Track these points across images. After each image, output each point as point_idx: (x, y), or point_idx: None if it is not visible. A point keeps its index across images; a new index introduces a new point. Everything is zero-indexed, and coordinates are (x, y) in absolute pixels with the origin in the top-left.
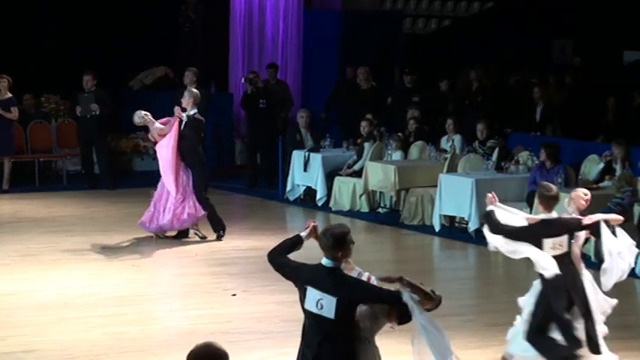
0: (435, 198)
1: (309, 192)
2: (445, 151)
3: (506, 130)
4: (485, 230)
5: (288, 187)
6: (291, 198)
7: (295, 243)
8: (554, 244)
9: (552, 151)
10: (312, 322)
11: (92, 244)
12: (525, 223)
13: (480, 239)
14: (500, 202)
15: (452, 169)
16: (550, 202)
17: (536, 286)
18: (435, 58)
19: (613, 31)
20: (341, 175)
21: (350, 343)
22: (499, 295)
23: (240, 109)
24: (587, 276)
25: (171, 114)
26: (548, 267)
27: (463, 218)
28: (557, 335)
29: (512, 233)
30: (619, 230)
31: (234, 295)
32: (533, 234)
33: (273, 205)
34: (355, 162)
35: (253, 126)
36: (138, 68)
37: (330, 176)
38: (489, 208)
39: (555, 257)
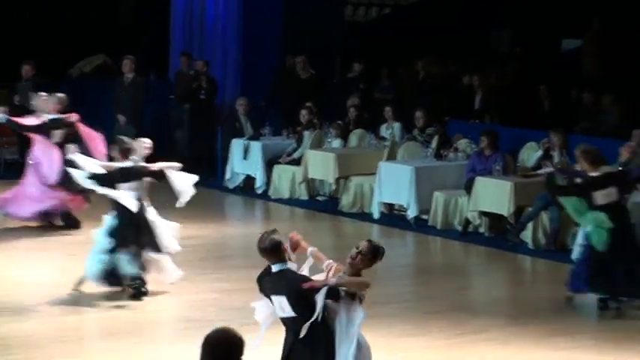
0: (375, 186)
1: (249, 180)
2: (384, 138)
3: (445, 117)
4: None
5: (227, 176)
6: (231, 186)
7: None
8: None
9: (491, 139)
10: (286, 329)
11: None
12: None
13: (419, 227)
14: (439, 189)
15: (391, 156)
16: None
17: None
18: (375, 46)
19: (551, 19)
20: (280, 163)
21: (320, 338)
22: (437, 282)
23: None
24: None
25: (109, 102)
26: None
27: (402, 206)
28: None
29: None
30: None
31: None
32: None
33: (211, 194)
34: (295, 150)
35: (194, 115)
36: (77, 56)
37: (269, 164)
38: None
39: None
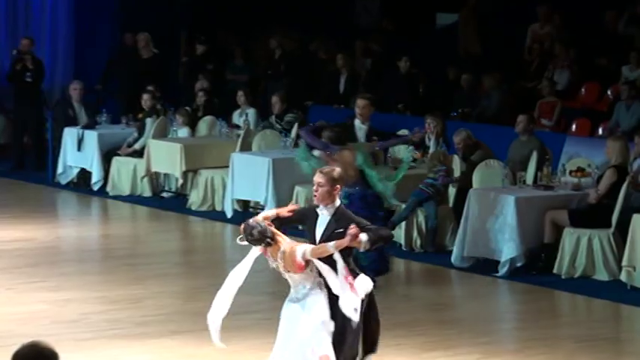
0: (227, 180)
1: (84, 174)
2: (238, 126)
3: (306, 102)
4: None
5: (59, 170)
6: (63, 182)
7: None
8: None
9: None
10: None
11: None
12: None
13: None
14: (300, 183)
15: (245, 147)
16: None
17: None
18: (226, 21)
19: None
20: (120, 155)
21: None
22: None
23: (2, 80)
24: None
25: None
26: None
27: (259, 203)
28: None
29: None
30: None
31: None
32: None
33: (41, 191)
34: (136, 140)
35: (19, 100)
36: None
37: (107, 156)
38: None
39: None
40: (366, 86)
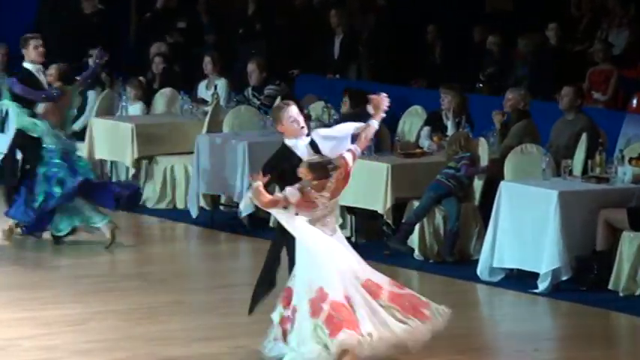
0: (191, 170)
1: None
2: (205, 101)
3: (291, 71)
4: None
5: None
6: None
7: None
8: None
9: (358, 101)
10: None
11: None
12: None
13: (256, 229)
14: None
15: (214, 127)
16: None
17: None
18: None
19: None
20: None
21: None
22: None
23: None
24: None
25: None
26: None
27: (231, 198)
28: None
29: None
30: None
31: None
32: None
33: None
34: (75, 119)
35: None
36: None
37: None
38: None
39: None
40: (370, 50)
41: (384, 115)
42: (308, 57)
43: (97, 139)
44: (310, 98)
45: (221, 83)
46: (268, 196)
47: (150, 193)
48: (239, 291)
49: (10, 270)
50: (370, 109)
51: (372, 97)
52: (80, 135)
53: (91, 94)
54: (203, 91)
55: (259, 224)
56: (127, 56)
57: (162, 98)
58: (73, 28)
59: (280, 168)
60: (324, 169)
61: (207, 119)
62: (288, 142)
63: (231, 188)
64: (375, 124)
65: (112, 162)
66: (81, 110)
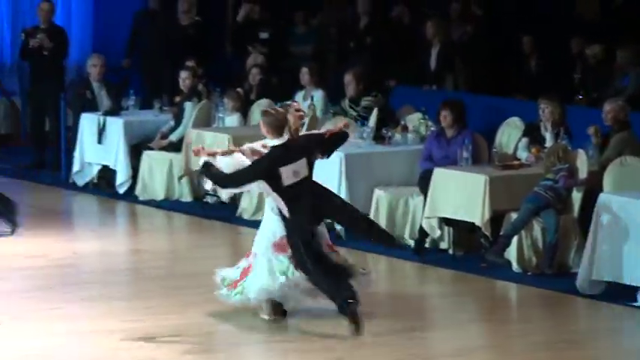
0: None
1: (106, 173)
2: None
3: (388, 82)
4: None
5: (76, 167)
6: (80, 182)
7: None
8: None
9: (455, 113)
10: (298, 190)
11: None
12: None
13: (352, 240)
14: (380, 186)
15: None
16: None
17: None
18: None
19: None
20: (152, 149)
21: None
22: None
23: (2, 53)
24: None
25: None
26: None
27: None
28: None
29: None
30: None
31: None
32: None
33: (53, 193)
34: (172, 130)
35: (36, 80)
36: None
37: (135, 151)
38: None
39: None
40: (466, 61)
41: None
42: (405, 68)
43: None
44: (407, 109)
45: (318, 94)
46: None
47: (246, 205)
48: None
49: (109, 282)
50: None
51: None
52: (177, 146)
53: (188, 106)
54: (300, 101)
55: (357, 236)
56: (224, 67)
57: (259, 109)
58: (169, 40)
59: None
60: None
61: (303, 130)
62: None
63: None
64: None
65: None
66: (178, 121)
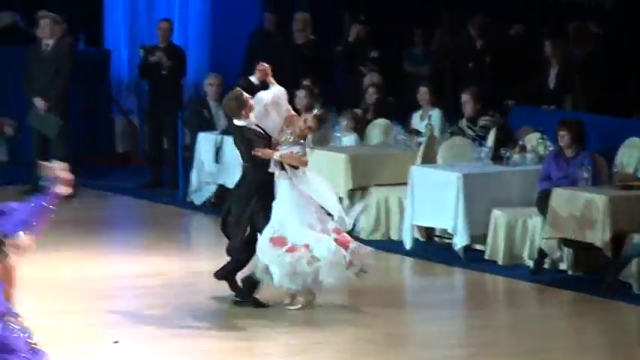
0: (405, 201)
1: (223, 193)
2: (419, 132)
3: (506, 102)
4: None
5: (193, 186)
6: (197, 202)
7: None
8: None
9: (574, 133)
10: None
11: None
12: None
13: (471, 261)
14: (499, 206)
15: (429, 158)
16: None
17: None
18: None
19: None
20: None
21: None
22: (500, 343)
23: (121, 72)
24: None
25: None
26: None
27: (446, 231)
28: None
29: None
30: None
31: (116, 342)
32: None
33: (170, 212)
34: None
35: (155, 99)
36: None
37: None
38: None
39: None
40: (585, 81)
41: None
42: (523, 88)
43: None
44: (526, 130)
45: (435, 114)
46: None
47: (364, 224)
48: (454, 324)
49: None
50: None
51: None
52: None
53: None
54: (417, 121)
55: (475, 257)
56: (339, 87)
57: (376, 129)
58: (284, 59)
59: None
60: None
61: (421, 150)
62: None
63: (446, 220)
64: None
65: None
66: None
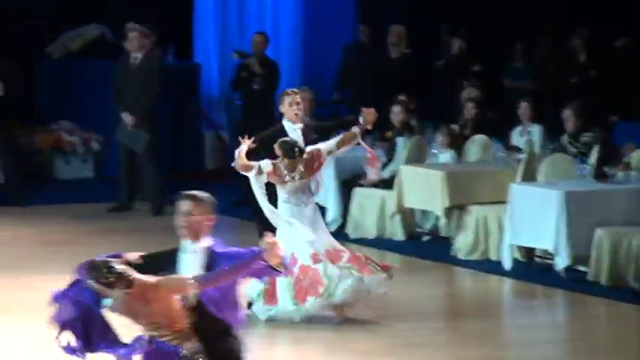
0: (505, 220)
1: None
2: (519, 149)
3: (610, 117)
4: None
5: None
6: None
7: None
8: None
9: None
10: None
11: None
12: None
13: (573, 282)
14: (603, 226)
15: (529, 176)
16: None
17: None
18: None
19: None
20: (363, 186)
21: None
22: None
23: (211, 86)
24: None
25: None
26: None
27: (547, 251)
28: None
29: None
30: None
31: None
32: None
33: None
34: (384, 166)
35: (247, 114)
36: (59, 28)
37: (346, 187)
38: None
39: None
40: None
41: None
42: (628, 102)
43: (407, 186)
44: (630, 147)
45: (536, 130)
46: (245, 161)
47: (462, 243)
48: (554, 347)
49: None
50: (360, 120)
51: (364, 110)
52: (389, 183)
53: (401, 141)
54: (517, 138)
55: (578, 277)
56: (436, 102)
57: (474, 145)
58: (379, 73)
59: (271, 142)
60: (291, 149)
61: (521, 167)
62: (286, 123)
63: (547, 239)
64: (356, 130)
65: (422, 211)
66: (390, 157)
